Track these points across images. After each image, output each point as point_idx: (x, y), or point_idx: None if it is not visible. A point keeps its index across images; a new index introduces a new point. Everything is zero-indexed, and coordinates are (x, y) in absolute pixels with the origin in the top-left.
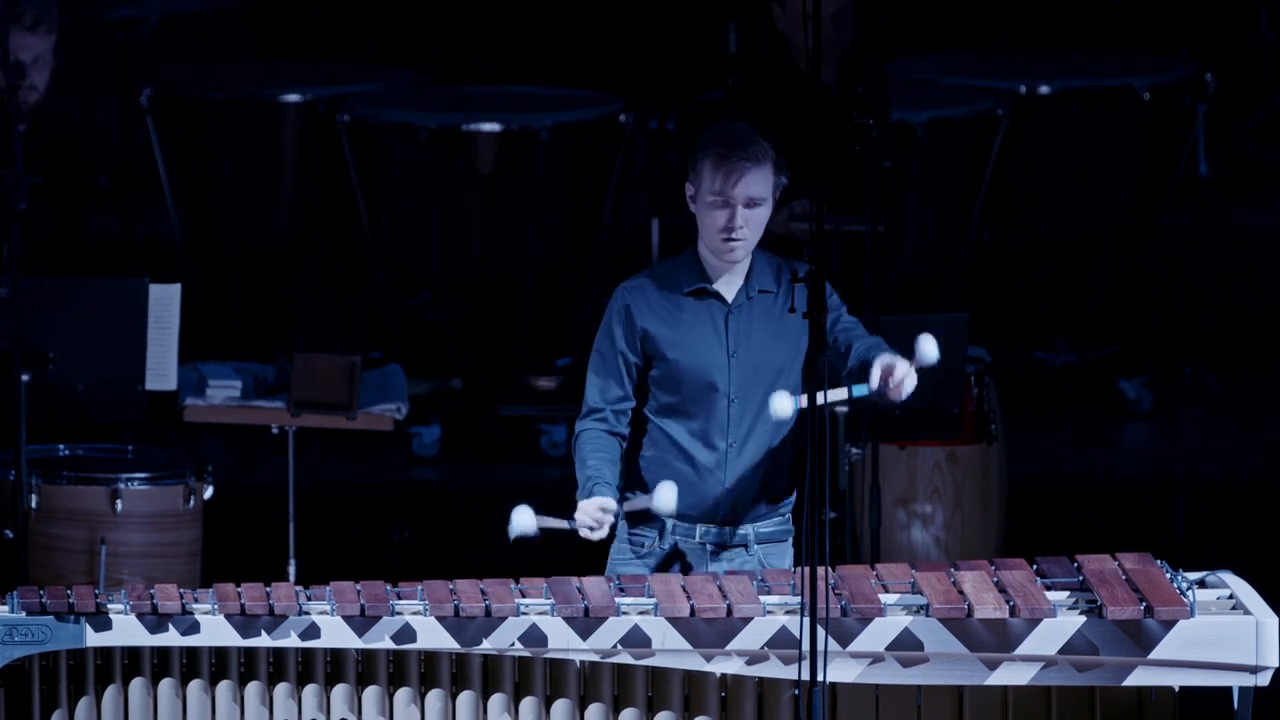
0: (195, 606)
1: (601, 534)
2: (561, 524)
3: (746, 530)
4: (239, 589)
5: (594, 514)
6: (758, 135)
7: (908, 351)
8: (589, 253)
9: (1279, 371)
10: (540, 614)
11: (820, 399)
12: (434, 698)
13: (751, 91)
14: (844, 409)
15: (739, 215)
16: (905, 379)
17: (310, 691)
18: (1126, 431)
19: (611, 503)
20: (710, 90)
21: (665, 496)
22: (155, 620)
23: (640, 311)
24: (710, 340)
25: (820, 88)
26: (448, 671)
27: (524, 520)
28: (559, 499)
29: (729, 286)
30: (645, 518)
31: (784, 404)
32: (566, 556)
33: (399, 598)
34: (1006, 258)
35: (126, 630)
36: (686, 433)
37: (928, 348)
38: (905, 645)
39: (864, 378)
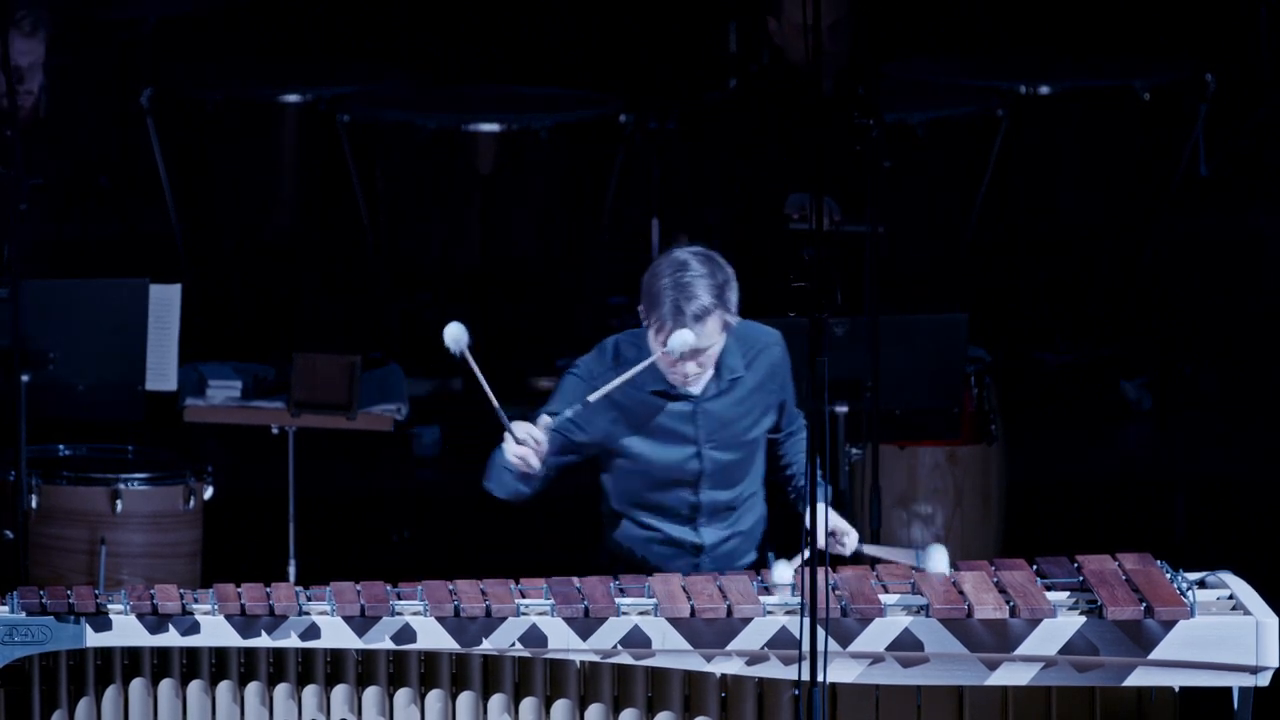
0: (195, 607)
1: (521, 454)
2: (493, 400)
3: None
4: (239, 589)
5: (535, 433)
6: (711, 270)
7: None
8: (588, 253)
9: (1279, 372)
10: (540, 614)
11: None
12: (434, 698)
13: (753, 93)
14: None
15: (686, 367)
16: (848, 540)
17: (310, 692)
18: (1126, 431)
19: (544, 439)
20: (712, 89)
21: (937, 559)
22: (155, 620)
23: (605, 404)
24: (678, 435)
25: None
26: (448, 672)
27: (456, 333)
28: (559, 500)
29: (697, 381)
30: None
31: (784, 574)
32: (567, 557)
33: (399, 598)
34: (1006, 258)
35: (126, 630)
36: (657, 518)
37: (937, 560)
38: (905, 645)
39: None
